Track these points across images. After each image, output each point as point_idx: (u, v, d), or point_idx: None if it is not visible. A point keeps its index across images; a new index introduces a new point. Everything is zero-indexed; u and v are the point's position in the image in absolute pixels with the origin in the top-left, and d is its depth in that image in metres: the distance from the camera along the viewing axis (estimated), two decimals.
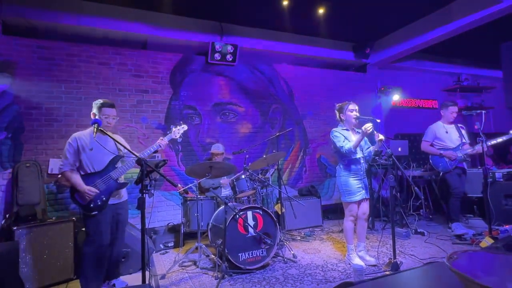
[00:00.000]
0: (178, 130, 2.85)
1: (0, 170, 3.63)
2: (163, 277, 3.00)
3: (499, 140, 3.80)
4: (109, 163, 2.57)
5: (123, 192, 2.74)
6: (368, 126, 2.79)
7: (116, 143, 2.57)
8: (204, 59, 4.89)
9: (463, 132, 4.12)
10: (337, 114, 3.21)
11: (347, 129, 3.12)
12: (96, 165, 2.55)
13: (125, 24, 4.18)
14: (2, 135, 3.68)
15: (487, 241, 3.25)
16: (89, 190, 2.43)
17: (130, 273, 3.15)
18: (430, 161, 4.17)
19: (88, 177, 2.50)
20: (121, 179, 2.70)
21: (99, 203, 2.48)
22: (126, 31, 4.20)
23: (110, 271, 2.71)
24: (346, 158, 3.06)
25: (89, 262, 2.46)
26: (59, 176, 3.71)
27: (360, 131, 3.20)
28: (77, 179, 2.46)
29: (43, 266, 2.82)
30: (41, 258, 2.83)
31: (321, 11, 4.46)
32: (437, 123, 4.20)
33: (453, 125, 4.14)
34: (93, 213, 2.46)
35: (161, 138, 2.73)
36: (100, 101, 2.64)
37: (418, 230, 4.09)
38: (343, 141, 2.99)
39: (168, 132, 2.85)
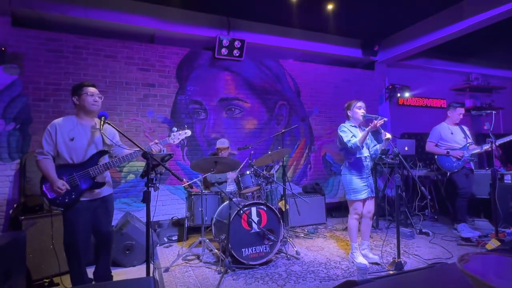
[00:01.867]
0: (180, 135, 2.50)
1: (8, 161, 3.68)
2: (166, 270, 3.02)
3: (507, 139, 3.76)
4: (90, 158, 2.30)
5: (104, 187, 2.41)
6: (378, 122, 2.74)
7: (103, 137, 2.37)
8: (211, 53, 4.87)
9: (468, 132, 4.10)
10: (346, 111, 3.21)
11: (355, 126, 3.10)
12: (76, 156, 2.28)
13: (133, 17, 4.18)
14: (10, 126, 3.73)
15: (493, 243, 3.21)
16: (58, 187, 2.17)
17: (134, 265, 3.19)
18: (437, 161, 4.13)
19: (64, 169, 2.25)
20: (104, 178, 2.41)
21: (67, 200, 2.23)
22: (133, 24, 4.20)
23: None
24: (352, 156, 3.04)
25: (68, 258, 2.32)
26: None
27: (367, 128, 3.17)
28: (50, 170, 2.21)
29: (49, 256, 2.86)
30: (48, 248, 2.87)
31: (329, 7, 4.41)
32: (441, 124, 4.18)
33: (457, 126, 4.11)
34: (59, 209, 2.28)
35: (155, 141, 2.39)
36: (78, 82, 2.43)
37: (423, 230, 4.05)
38: (351, 136, 2.97)
39: (166, 137, 2.53)
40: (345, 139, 2.96)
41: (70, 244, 2.29)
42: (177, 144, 2.58)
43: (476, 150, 3.89)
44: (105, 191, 2.44)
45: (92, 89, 2.39)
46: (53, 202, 2.25)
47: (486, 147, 3.77)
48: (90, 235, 2.41)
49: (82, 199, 2.30)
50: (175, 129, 2.52)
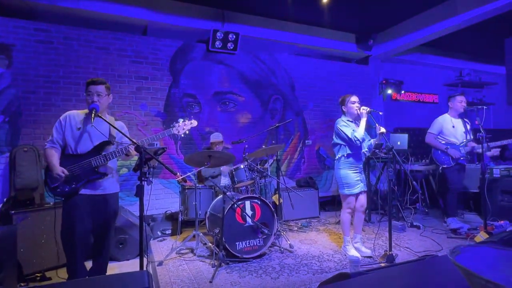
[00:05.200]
0: (185, 126, 2.44)
1: None
2: (160, 263, 3.02)
3: (500, 144, 3.80)
4: (93, 148, 2.30)
5: (108, 183, 2.38)
6: (364, 109, 2.96)
7: (111, 129, 2.35)
8: (205, 46, 4.82)
9: (469, 127, 4.03)
10: (340, 107, 3.22)
11: (351, 121, 3.12)
12: (80, 147, 2.30)
13: (125, 8, 4.10)
14: None
15: (481, 236, 3.29)
16: (57, 173, 2.18)
17: (128, 259, 3.19)
18: (433, 154, 4.12)
19: (67, 159, 2.28)
20: (107, 169, 2.36)
21: (67, 190, 2.23)
22: (126, 15, 4.12)
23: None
24: (354, 150, 3.04)
25: (65, 250, 2.31)
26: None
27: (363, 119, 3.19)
28: (54, 159, 2.25)
29: (41, 250, 2.83)
30: (39, 243, 2.84)
31: (324, 0, 4.38)
32: (444, 116, 4.08)
33: (460, 120, 4.03)
34: (61, 198, 2.27)
35: (133, 142, 2.15)
36: (89, 79, 2.41)
37: (414, 224, 4.13)
38: (353, 130, 2.98)
39: (171, 126, 2.45)
40: (350, 134, 2.95)
41: (67, 237, 2.28)
42: (182, 135, 2.52)
43: (477, 150, 3.90)
44: (108, 188, 2.39)
45: (91, 89, 2.34)
46: (54, 191, 2.26)
47: (478, 150, 3.77)
48: (89, 230, 2.38)
49: (82, 191, 2.28)
50: (180, 120, 2.47)
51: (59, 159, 2.28)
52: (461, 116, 4.09)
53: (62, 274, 2.75)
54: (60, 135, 2.32)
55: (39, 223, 2.88)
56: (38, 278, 2.72)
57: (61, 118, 2.37)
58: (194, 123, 2.52)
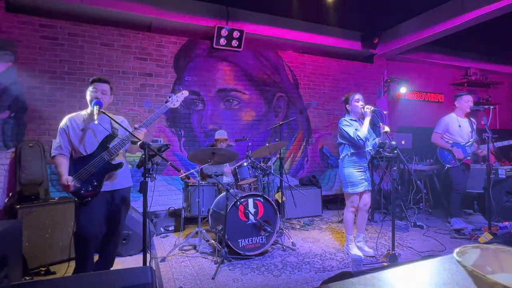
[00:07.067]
0: (178, 97, 2.53)
1: (3, 149, 3.64)
2: (163, 260, 3.04)
3: (506, 144, 3.77)
4: (100, 144, 2.33)
5: (121, 176, 2.41)
6: (368, 107, 2.94)
7: (112, 123, 2.38)
8: (209, 43, 4.81)
9: (475, 127, 3.99)
10: (344, 105, 3.20)
11: (355, 120, 3.10)
12: (88, 146, 2.32)
13: (130, 5, 4.10)
14: (4, 114, 3.68)
15: (485, 237, 3.26)
16: (62, 184, 2.20)
17: (131, 255, 3.21)
18: (438, 154, 4.09)
19: (80, 161, 2.29)
20: (118, 159, 2.39)
21: (90, 188, 2.25)
22: (130, 12, 4.12)
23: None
24: (358, 149, 3.03)
25: (77, 249, 2.33)
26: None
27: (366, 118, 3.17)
28: (62, 168, 2.25)
29: (45, 245, 2.87)
30: (44, 237, 2.87)
31: None
32: (450, 115, 4.03)
33: (466, 119, 3.99)
34: (85, 200, 2.24)
35: (135, 126, 2.33)
36: (94, 76, 2.47)
37: (417, 223, 4.10)
38: (355, 129, 2.97)
39: (165, 101, 2.54)
40: (352, 134, 2.94)
41: (81, 234, 2.28)
42: (179, 106, 2.61)
43: (479, 150, 3.87)
44: (123, 183, 2.43)
45: (98, 86, 2.37)
46: (77, 195, 2.24)
47: (484, 148, 3.75)
48: (103, 226, 2.40)
49: (103, 189, 2.30)
50: (172, 94, 2.55)
51: (67, 167, 2.27)
52: (467, 115, 4.05)
53: (65, 268, 2.78)
54: (66, 139, 2.32)
55: (44, 217, 2.91)
56: (42, 272, 2.75)
57: (61, 124, 2.36)
58: (185, 93, 2.61)
